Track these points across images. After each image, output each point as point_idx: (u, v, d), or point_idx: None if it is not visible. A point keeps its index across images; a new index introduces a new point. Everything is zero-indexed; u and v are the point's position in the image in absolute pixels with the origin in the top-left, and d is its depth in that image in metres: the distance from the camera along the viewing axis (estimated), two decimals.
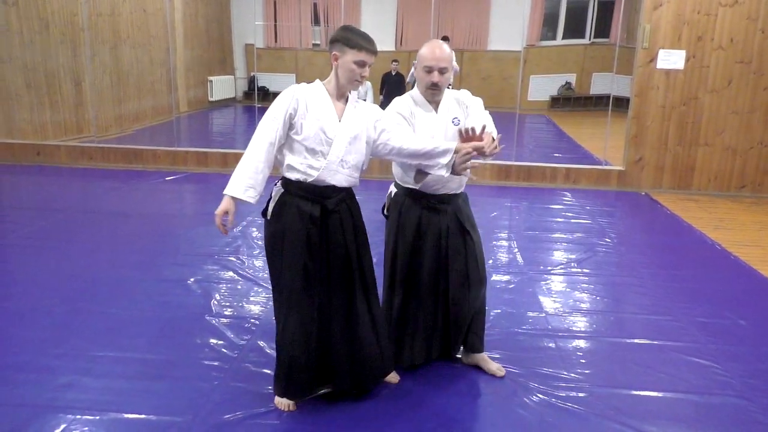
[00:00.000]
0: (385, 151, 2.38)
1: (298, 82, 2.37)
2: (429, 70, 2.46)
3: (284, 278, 2.29)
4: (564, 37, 13.16)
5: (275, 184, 2.33)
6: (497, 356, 2.89)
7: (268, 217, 2.31)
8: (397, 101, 2.55)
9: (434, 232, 2.58)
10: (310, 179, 2.24)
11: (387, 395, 2.55)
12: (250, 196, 2.21)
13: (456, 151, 2.31)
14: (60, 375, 2.64)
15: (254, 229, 4.63)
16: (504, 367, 2.78)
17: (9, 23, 7.06)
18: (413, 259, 2.60)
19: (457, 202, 2.64)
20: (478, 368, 2.76)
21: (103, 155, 6.99)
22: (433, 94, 2.51)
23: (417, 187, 2.54)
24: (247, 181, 2.20)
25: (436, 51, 2.45)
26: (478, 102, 2.62)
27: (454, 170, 2.35)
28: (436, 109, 2.55)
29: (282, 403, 2.43)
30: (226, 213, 2.20)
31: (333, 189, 2.28)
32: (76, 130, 7.93)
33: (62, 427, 2.29)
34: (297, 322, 2.31)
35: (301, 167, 2.24)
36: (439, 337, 2.71)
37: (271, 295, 2.52)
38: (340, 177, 2.28)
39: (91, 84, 7.97)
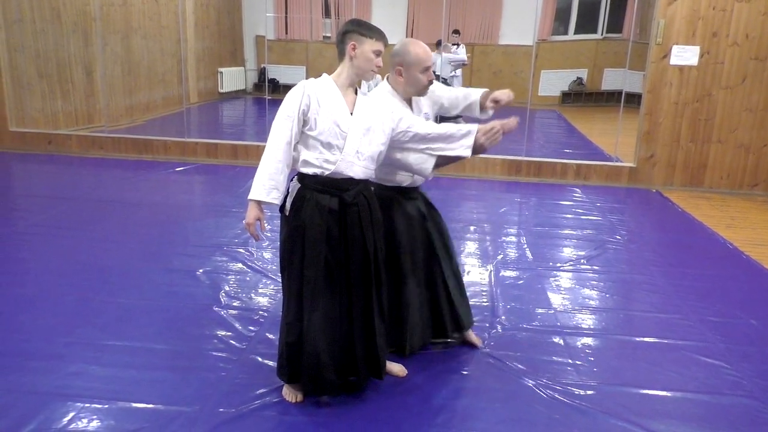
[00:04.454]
0: (405, 138, 2.41)
1: (308, 74, 2.38)
2: (428, 69, 2.53)
3: (307, 274, 2.27)
4: (576, 32, 13.05)
5: (291, 180, 2.32)
6: (503, 353, 2.88)
7: (287, 213, 2.30)
8: (384, 98, 2.54)
9: (418, 218, 2.73)
10: (327, 172, 2.25)
11: (394, 390, 2.55)
12: (274, 197, 2.22)
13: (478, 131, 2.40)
14: (69, 363, 2.65)
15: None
16: (512, 363, 2.78)
17: (21, 13, 7.08)
18: (402, 250, 2.66)
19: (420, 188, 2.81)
20: (472, 345, 2.90)
21: (113, 145, 7.01)
22: (422, 92, 2.60)
23: (405, 185, 2.68)
24: (269, 183, 2.20)
25: (427, 49, 2.55)
26: (439, 85, 2.79)
27: (478, 150, 2.44)
28: (410, 105, 2.62)
29: (290, 394, 2.44)
30: (258, 219, 2.23)
31: (350, 181, 2.29)
32: (87, 119, 7.96)
33: (71, 415, 2.31)
34: (322, 317, 2.30)
35: (317, 162, 2.24)
36: (433, 317, 2.80)
37: (279, 288, 2.52)
38: (357, 169, 2.28)
39: (103, 74, 7.99)
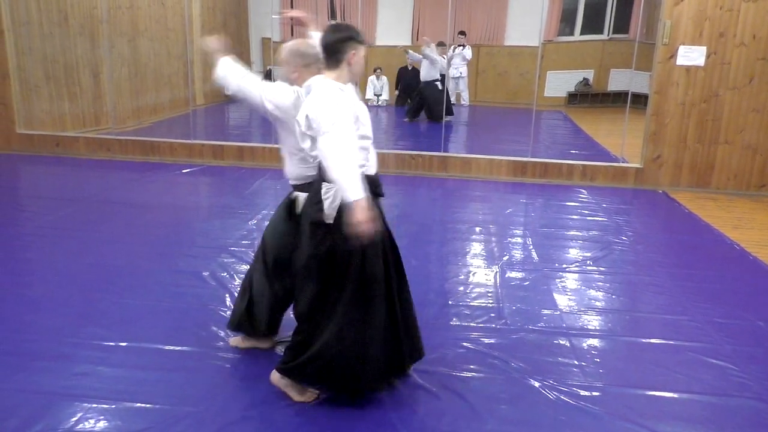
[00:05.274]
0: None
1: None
2: None
3: (369, 273, 2.27)
4: (582, 33, 13.02)
5: (324, 187, 2.23)
6: (509, 354, 2.87)
7: (331, 221, 2.23)
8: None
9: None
10: (369, 171, 2.32)
11: (401, 393, 2.55)
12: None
13: None
14: (76, 363, 2.67)
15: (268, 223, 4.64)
16: (518, 365, 2.77)
17: (29, 15, 7.13)
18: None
19: None
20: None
21: (120, 147, 7.04)
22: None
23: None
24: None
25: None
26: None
27: None
28: None
29: (302, 393, 2.44)
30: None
31: (378, 177, 2.39)
32: (94, 121, 8.00)
33: (78, 415, 2.32)
34: (384, 313, 2.34)
35: (360, 162, 2.26)
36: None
37: None
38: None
39: (110, 76, 8.03)
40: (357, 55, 2.28)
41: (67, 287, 3.47)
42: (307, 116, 2.22)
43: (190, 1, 9.79)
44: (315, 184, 2.31)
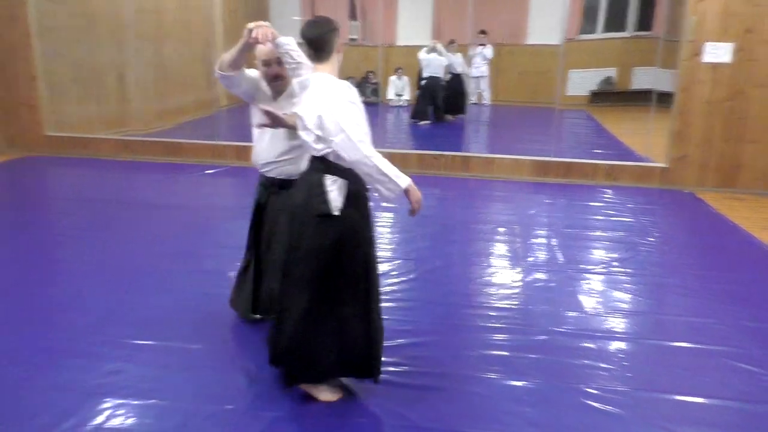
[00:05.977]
0: None
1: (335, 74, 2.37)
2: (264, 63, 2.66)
3: (374, 264, 2.38)
4: (604, 31, 12.88)
5: (328, 180, 2.25)
6: (534, 356, 2.85)
7: (337, 212, 2.24)
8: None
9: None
10: None
11: (425, 394, 2.55)
12: None
13: None
14: (105, 362, 2.72)
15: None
16: (543, 367, 2.75)
17: (57, 20, 7.26)
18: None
19: None
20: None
21: (145, 148, 7.14)
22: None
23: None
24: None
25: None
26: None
27: None
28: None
29: (327, 392, 2.45)
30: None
31: None
32: (120, 123, 8.12)
33: (108, 412, 2.37)
34: (378, 307, 2.44)
35: None
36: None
37: None
38: None
39: (135, 79, 8.14)
40: (340, 43, 2.33)
41: (95, 287, 3.53)
42: (319, 116, 2.20)
43: (213, 5, 9.89)
44: (311, 177, 2.30)
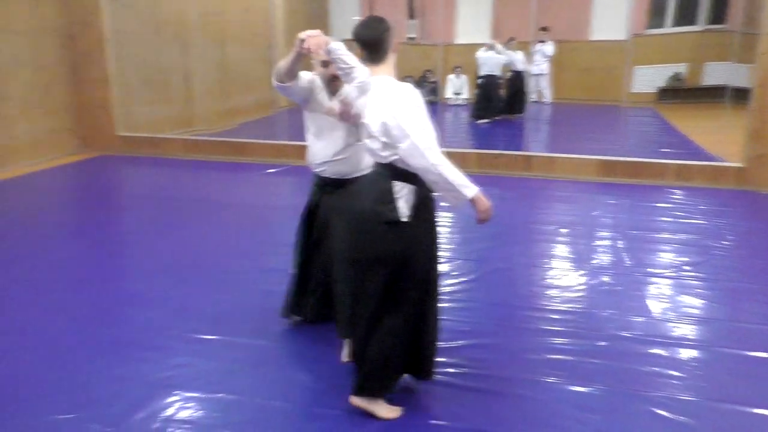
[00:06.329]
0: None
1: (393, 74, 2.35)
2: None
3: (436, 267, 2.36)
4: (674, 25, 12.37)
5: (396, 186, 2.20)
6: (599, 362, 2.77)
7: (406, 219, 2.20)
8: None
9: None
10: None
11: (478, 400, 2.52)
12: None
13: None
14: (174, 355, 2.81)
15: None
16: (609, 373, 2.67)
17: (128, 24, 7.58)
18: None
19: None
20: None
21: (210, 148, 7.36)
22: None
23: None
24: None
25: None
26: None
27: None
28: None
29: (387, 410, 2.38)
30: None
31: None
32: (186, 123, 8.41)
33: (177, 405, 2.44)
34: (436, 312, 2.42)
35: None
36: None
37: None
38: None
39: (200, 80, 8.40)
40: (396, 43, 2.29)
41: (164, 282, 3.65)
42: (384, 123, 2.15)
43: (274, 6, 10.09)
44: (377, 183, 2.25)
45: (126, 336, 3.00)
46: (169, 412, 2.39)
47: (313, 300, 2.94)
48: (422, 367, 2.42)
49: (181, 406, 2.43)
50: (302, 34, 2.35)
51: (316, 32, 2.34)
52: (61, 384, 2.58)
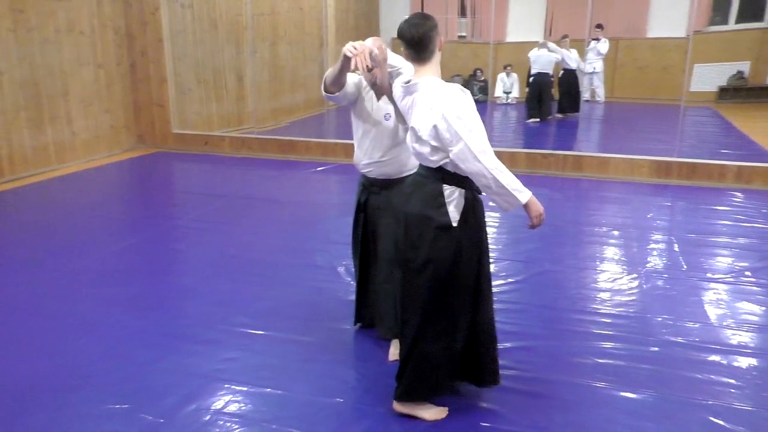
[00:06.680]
0: None
1: (442, 73, 2.31)
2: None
3: (487, 270, 2.32)
4: (737, 21, 11.88)
5: (447, 190, 2.17)
6: (652, 368, 2.68)
7: (456, 224, 2.17)
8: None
9: None
10: None
11: (526, 405, 2.48)
12: None
13: None
14: (224, 349, 2.87)
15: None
16: (664, 380, 2.58)
17: (184, 24, 7.79)
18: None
19: None
20: None
21: (260, 146, 7.49)
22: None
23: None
24: None
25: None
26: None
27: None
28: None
29: (434, 412, 2.36)
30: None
31: None
32: (237, 121, 8.58)
33: (228, 398, 2.49)
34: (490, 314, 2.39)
35: None
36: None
37: None
38: None
39: (252, 79, 8.56)
40: (441, 41, 2.24)
41: (214, 277, 3.74)
42: (435, 126, 2.10)
43: (325, 5, 10.18)
44: (427, 186, 2.21)
45: (177, 329, 3.08)
46: (219, 405, 2.44)
47: (372, 309, 2.94)
48: (481, 375, 2.39)
49: (230, 400, 2.48)
50: (347, 50, 2.32)
51: (361, 46, 2.30)
52: (114, 375, 2.66)
